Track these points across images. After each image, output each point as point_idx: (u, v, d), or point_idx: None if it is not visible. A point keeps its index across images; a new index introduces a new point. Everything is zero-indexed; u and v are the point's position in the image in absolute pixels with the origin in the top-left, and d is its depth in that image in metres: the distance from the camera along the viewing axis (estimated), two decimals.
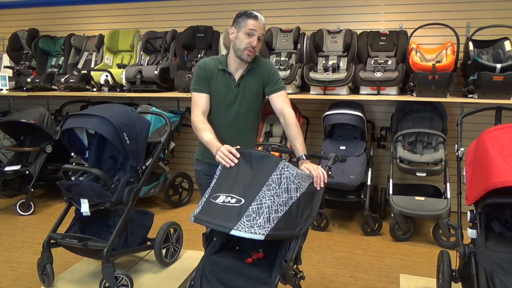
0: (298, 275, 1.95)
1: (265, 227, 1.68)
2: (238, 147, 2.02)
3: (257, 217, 1.69)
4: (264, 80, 2.34)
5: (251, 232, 1.66)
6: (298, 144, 2.21)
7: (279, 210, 1.76)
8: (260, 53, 4.16)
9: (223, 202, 1.78)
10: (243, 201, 1.75)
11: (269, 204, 1.73)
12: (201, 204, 1.87)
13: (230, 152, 1.98)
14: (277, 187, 1.79)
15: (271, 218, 1.71)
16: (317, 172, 2.02)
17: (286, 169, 1.84)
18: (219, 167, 1.99)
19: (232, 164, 1.95)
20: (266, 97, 2.39)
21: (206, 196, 1.88)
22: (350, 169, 3.65)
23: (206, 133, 2.16)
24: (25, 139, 4.50)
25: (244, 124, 2.37)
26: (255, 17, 2.20)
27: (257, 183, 1.81)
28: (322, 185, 2.03)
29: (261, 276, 1.89)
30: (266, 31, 4.13)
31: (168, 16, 4.87)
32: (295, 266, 1.93)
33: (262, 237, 1.66)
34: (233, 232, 1.66)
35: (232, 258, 2.00)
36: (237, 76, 2.32)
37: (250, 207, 1.72)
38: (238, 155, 1.97)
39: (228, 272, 1.95)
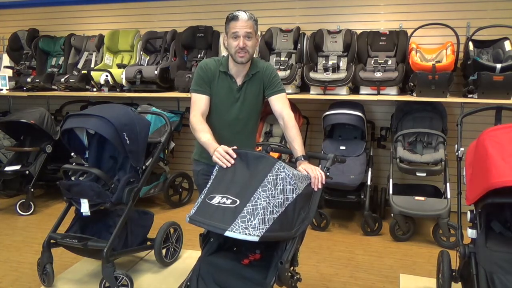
0: (295, 277, 1.92)
1: (259, 229, 1.67)
2: (235, 147, 2.01)
3: (252, 218, 1.68)
4: (265, 83, 2.34)
5: (246, 234, 1.64)
6: (297, 145, 2.20)
7: (275, 211, 1.75)
8: (260, 53, 4.21)
9: (219, 203, 1.77)
10: (238, 202, 1.74)
11: (264, 205, 1.72)
12: (197, 204, 1.86)
13: (227, 153, 1.97)
14: (272, 188, 1.78)
15: (266, 220, 1.70)
16: (315, 173, 2.01)
17: (282, 170, 1.83)
18: (216, 167, 1.99)
19: (229, 165, 1.94)
20: (266, 98, 2.39)
21: (202, 197, 1.87)
22: (350, 169, 3.65)
23: (204, 134, 2.16)
24: (25, 139, 4.50)
25: (244, 126, 2.37)
26: (236, 18, 2.18)
27: (252, 184, 1.80)
28: (319, 186, 2.02)
29: (257, 278, 1.88)
30: (266, 31, 4.21)
31: (168, 16, 4.87)
32: (291, 268, 1.91)
33: (256, 239, 1.65)
34: (227, 233, 1.65)
35: (229, 259, 2.00)
36: (239, 80, 2.31)
37: (245, 208, 1.70)
38: (235, 156, 1.96)
39: (225, 273, 1.94)
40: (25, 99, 5.20)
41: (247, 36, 2.18)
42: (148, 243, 3.04)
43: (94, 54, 4.93)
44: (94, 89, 4.59)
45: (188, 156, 4.75)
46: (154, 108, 4.13)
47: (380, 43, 4.04)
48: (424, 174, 3.57)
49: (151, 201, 4.54)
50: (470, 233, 2.12)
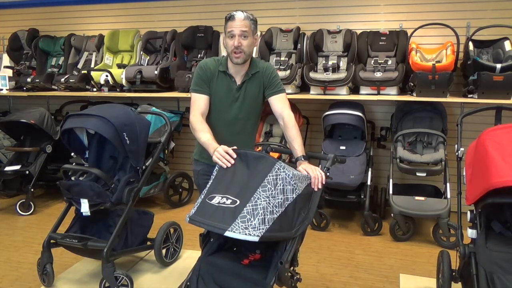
0: (295, 277, 1.92)
1: (259, 229, 1.67)
2: (235, 147, 2.01)
3: (252, 219, 1.68)
4: (265, 83, 2.34)
5: (246, 234, 1.64)
6: (297, 145, 2.20)
7: (275, 211, 1.75)
8: (260, 53, 4.21)
9: (219, 203, 1.77)
10: (238, 202, 1.74)
11: (264, 206, 1.72)
12: (197, 204, 1.86)
13: (227, 153, 1.97)
14: (272, 188, 1.78)
15: (266, 220, 1.70)
16: (315, 173, 2.01)
17: (282, 170, 1.83)
18: (216, 167, 1.99)
19: (229, 165, 1.94)
20: (266, 99, 2.39)
21: (202, 197, 1.87)
22: (350, 169, 3.65)
23: (204, 134, 2.16)
24: (25, 139, 4.50)
25: (244, 126, 2.37)
26: (232, 17, 2.18)
27: (252, 184, 1.80)
28: (319, 186, 2.01)
29: (256, 278, 1.88)
30: (266, 31, 4.20)
31: (168, 16, 4.87)
32: (291, 268, 1.91)
33: (256, 239, 1.65)
34: (227, 233, 1.65)
35: (229, 259, 2.00)
36: (238, 79, 2.31)
37: (245, 208, 1.70)
38: (235, 156, 1.96)
39: (224, 273, 1.94)
40: (25, 99, 5.20)
41: (243, 35, 2.18)
42: (148, 243, 3.04)
43: (94, 54, 4.93)
44: (94, 89, 4.59)
45: (188, 156, 4.75)
46: (154, 108, 4.13)
47: (380, 43, 4.04)
48: (424, 174, 3.57)
49: (151, 201, 4.54)
50: (470, 233, 2.12)
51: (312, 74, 3.89)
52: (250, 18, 2.21)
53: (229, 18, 2.20)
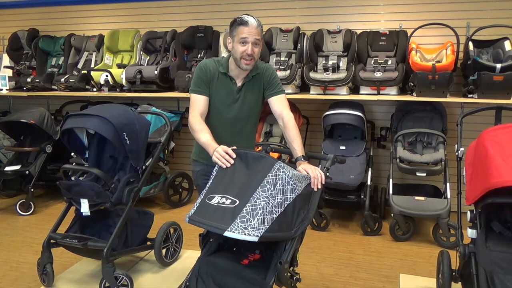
0: (294, 277, 1.93)
1: (259, 229, 1.67)
2: (235, 147, 2.01)
3: (251, 219, 1.68)
4: (265, 84, 2.34)
5: (245, 234, 1.64)
6: (296, 145, 2.20)
7: (274, 211, 1.75)
8: (260, 55, 4.20)
9: (218, 203, 1.77)
10: (237, 202, 1.74)
11: (264, 206, 1.72)
12: (196, 204, 1.86)
13: (227, 153, 1.97)
14: (272, 188, 1.78)
15: (265, 220, 1.70)
16: (315, 173, 2.01)
17: (281, 170, 1.83)
18: (216, 167, 1.99)
19: (228, 165, 1.94)
20: (265, 99, 2.39)
21: (202, 197, 1.87)
22: (350, 169, 3.65)
23: (203, 134, 2.16)
24: (25, 139, 4.50)
25: (243, 127, 2.37)
26: (246, 23, 2.14)
27: (252, 184, 1.80)
28: (319, 186, 2.01)
29: (256, 278, 1.88)
30: (266, 31, 4.20)
31: (168, 16, 4.87)
32: (291, 268, 1.91)
33: (255, 239, 1.66)
34: (227, 233, 1.65)
35: (228, 259, 2.00)
36: (239, 81, 2.31)
37: (244, 208, 1.70)
38: (235, 156, 1.96)
39: (224, 273, 1.94)
40: (25, 99, 5.20)
41: (255, 43, 2.17)
42: (148, 243, 3.04)
43: (94, 54, 4.93)
44: (94, 89, 4.59)
45: (188, 156, 4.71)
46: (154, 108, 4.13)
47: (380, 43, 4.04)
48: (424, 174, 3.57)
49: (151, 201, 4.54)
50: (470, 233, 2.13)
51: (312, 74, 3.89)
52: (260, 25, 2.20)
53: (241, 23, 2.15)
